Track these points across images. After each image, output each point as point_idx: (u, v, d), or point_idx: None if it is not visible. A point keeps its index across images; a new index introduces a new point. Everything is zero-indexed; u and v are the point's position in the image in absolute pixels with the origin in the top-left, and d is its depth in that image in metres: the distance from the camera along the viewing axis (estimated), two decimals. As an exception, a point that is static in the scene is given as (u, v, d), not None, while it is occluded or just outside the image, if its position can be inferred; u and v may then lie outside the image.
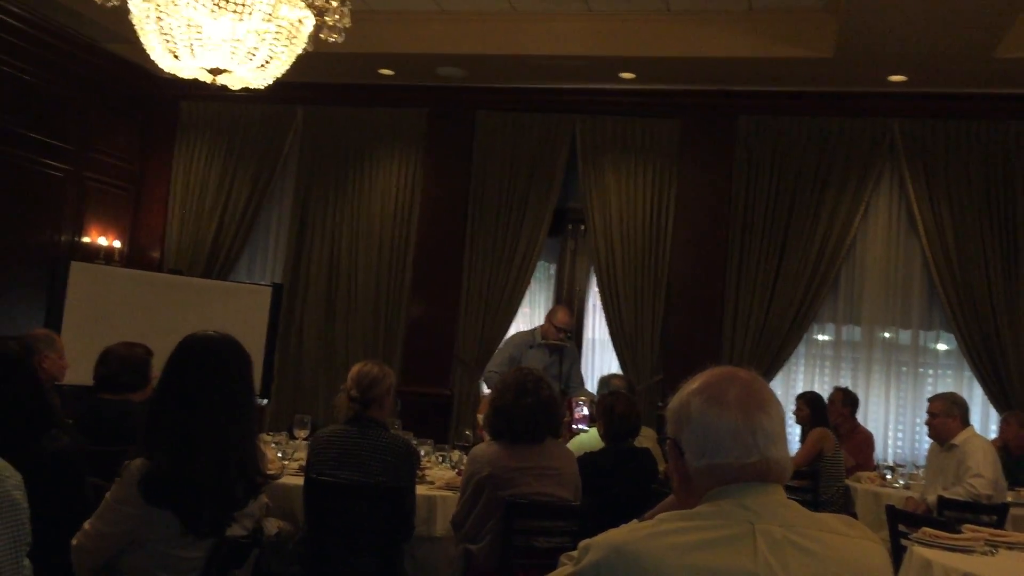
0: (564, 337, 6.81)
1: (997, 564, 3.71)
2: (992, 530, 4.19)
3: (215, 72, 4.36)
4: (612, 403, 4.46)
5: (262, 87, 4.55)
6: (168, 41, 4.20)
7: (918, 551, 3.82)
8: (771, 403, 1.67)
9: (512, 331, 8.04)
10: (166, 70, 4.50)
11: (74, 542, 2.39)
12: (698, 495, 1.66)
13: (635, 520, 1.85)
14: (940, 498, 5.11)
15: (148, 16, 4.23)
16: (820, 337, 7.84)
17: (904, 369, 7.59)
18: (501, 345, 7.38)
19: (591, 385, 7.05)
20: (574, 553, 1.72)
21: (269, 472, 2.69)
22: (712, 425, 1.64)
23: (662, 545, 1.54)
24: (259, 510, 2.58)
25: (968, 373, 7.30)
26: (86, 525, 2.39)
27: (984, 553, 3.83)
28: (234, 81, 4.47)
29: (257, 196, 8.53)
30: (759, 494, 1.60)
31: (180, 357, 2.47)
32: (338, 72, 7.94)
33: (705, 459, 1.64)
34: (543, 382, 3.94)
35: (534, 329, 7.15)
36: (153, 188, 8.77)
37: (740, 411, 1.64)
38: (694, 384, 1.72)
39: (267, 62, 4.40)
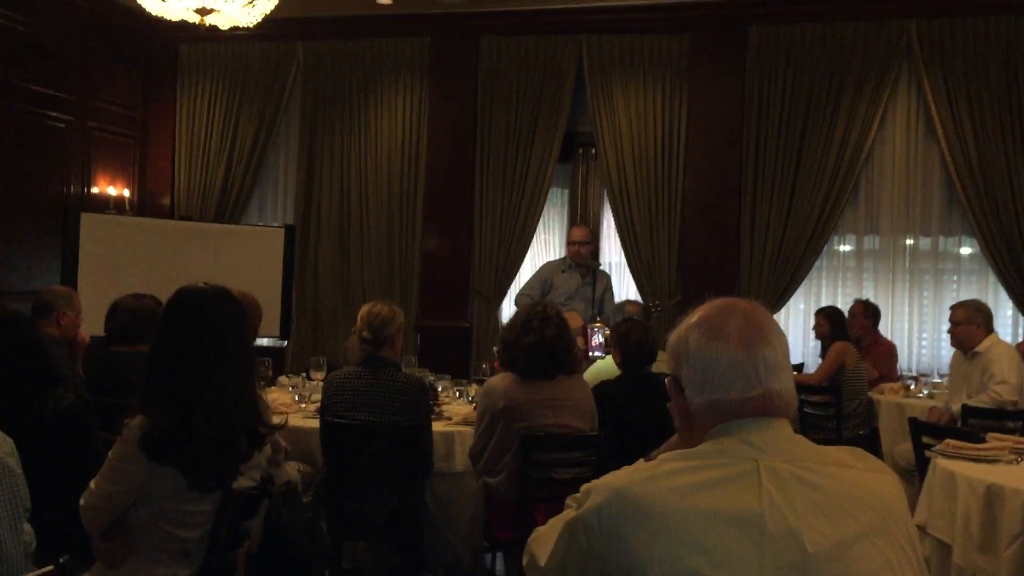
0: (579, 251, 7.00)
1: (1022, 472, 3.65)
2: (1017, 438, 4.12)
3: (203, 12, 4.25)
4: (627, 330, 4.40)
5: (251, 25, 4.43)
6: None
7: (942, 464, 3.77)
8: (773, 333, 1.60)
9: (528, 260, 8.05)
10: (153, 13, 4.37)
11: (81, 502, 2.39)
12: (701, 433, 1.59)
13: (640, 460, 1.81)
14: (964, 406, 5.06)
15: (129, -42, 4.11)
16: (841, 248, 7.71)
17: (927, 277, 7.47)
18: (536, 270, 7.43)
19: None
20: (579, 495, 1.67)
21: (274, 422, 2.65)
22: (712, 359, 1.57)
23: (663, 487, 1.48)
24: (266, 460, 2.56)
25: (993, 278, 7.17)
26: (92, 484, 2.38)
27: (1009, 462, 3.78)
28: (223, 20, 4.36)
29: (263, 137, 8.43)
30: (763, 429, 1.53)
31: (171, 312, 2.43)
32: (336, 4, 7.75)
33: (706, 395, 1.58)
34: (551, 321, 3.87)
35: (564, 257, 7.31)
36: (159, 134, 8.68)
37: (740, 344, 1.56)
38: (692, 318, 1.64)
39: (255, -2, 4.27)
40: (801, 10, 7.33)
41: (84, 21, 7.81)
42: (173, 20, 4.36)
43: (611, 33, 7.68)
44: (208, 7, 4.14)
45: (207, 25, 4.31)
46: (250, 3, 4.23)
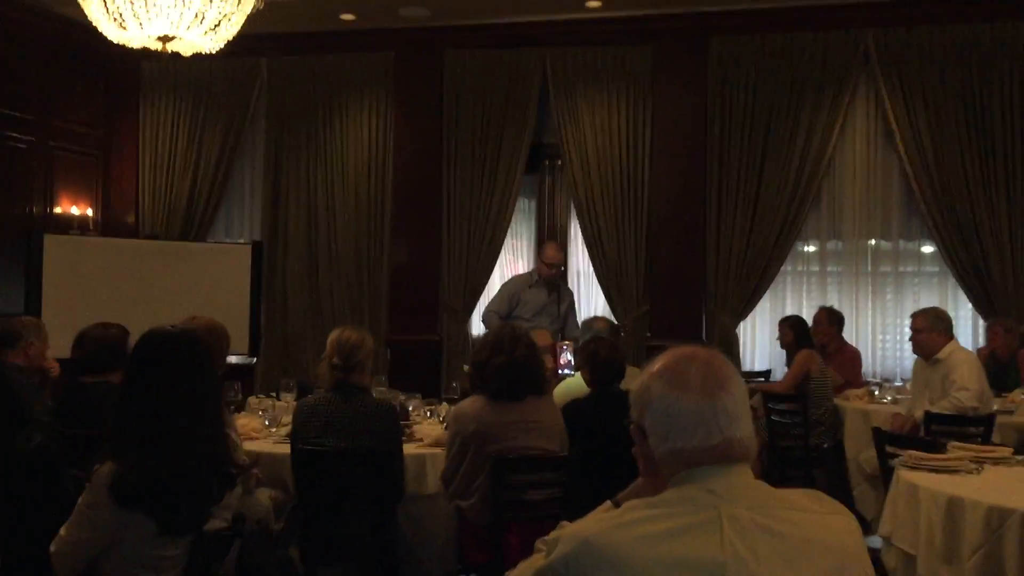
0: (552, 273, 7.04)
1: (982, 482, 3.73)
2: (977, 447, 4.21)
3: (164, 39, 4.24)
4: (595, 348, 4.44)
5: (214, 51, 4.42)
6: (112, 11, 4.06)
7: (904, 475, 3.84)
8: (732, 381, 1.64)
9: (496, 271, 8.08)
10: (115, 40, 4.36)
11: (52, 548, 2.38)
12: (665, 479, 1.64)
13: (607, 502, 1.85)
14: (927, 413, 5.15)
15: (89, -15, 4.10)
16: (806, 253, 7.81)
17: (888, 280, 7.59)
18: (502, 285, 7.46)
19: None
20: (549, 539, 1.71)
21: (244, 459, 2.66)
22: (673, 408, 1.62)
23: (630, 536, 1.52)
24: (236, 501, 2.57)
25: (952, 280, 7.30)
26: (62, 531, 2.38)
27: (969, 472, 3.85)
28: (185, 47, 4.36)
29: (228, 153, 8.40)
30: (724, 476, 1.58)
31: (139, 358, 2.43)
32: (299, 20, 7.74)
33: (669, 443, 1.62)
34: (520, 341, 3.93)
35: (531, 271, 7.37)
36: (122, 152, 8.61)
37: (701, 393, 1.61)
38: (654, 366, 1.69)
39: (217, 24, 4.27)
40: (761, 20, 7.43)
41: (44, 41, 7.73)
42: (135, 48, 4.35)
43: (574, 45, 7.74)
44: (170, 35, 4.13)
45: (169, 52, 4.30)
46: (212, 30, 4.22)
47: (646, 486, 1.73)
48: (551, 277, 7.04)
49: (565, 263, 7.81)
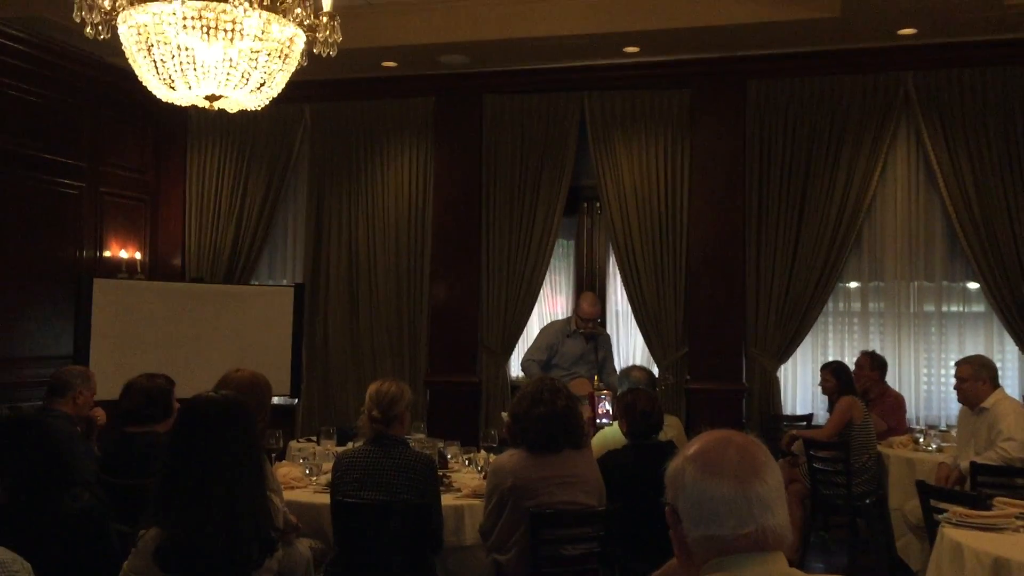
0: (591, 327, 7.07)
1: (1029, 541, 3.67)
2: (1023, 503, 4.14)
3: (212, 98, 4.35)
4: (633, 400, 4.45)
5: (259, 108, 4.53)
6: (162, 72, 4.18)
7: (948, 533, 3.79)
8: (766, 467, 1.65)
9: (535, 313, 8.12)
10: (164, 100, 4.48)
11: (98, 611, 2.44)
12: (699, 563, 1.65)
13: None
14: (972, 463, 5.08)
15: (140, 47, 4.22)
16: (847, 297, 7.72)
17: (932, 323, 7.49)
18: (540, 332, 7.46)
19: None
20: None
21: (285, 526, 2.71)
22: (706, 495, 1.63)
23: (662, 624, 1.54)
24: (277, 564, 2.61)
25: (997, 323, 7.20)
26: (109, 595, 2.43)
27: (1016, 530, 3.79)
28: (231, 105, 4.46)
29: (272, 197, 8.55)
30: (757, 565, 1.59)
31: (184, 424, 2.49)
32: (342, 68, 7.80)
33: (701, 529, 1.63)
34: (561, 393, 3.96)
35: (569, 317, 7.39)
36: (169, 196, 8.80)
37: (735, 480, 1.62)
38: (689, 449, 1.70)
39: (262, 84, 4.37)
40: (798, 64, 7.43)
41: (93, 89, 7.95)
42: (184, 105, 4.47)
43: (612, 90, 7.80)
44: (217, 94, 4.24)
45: (216, 109, 4.41)
46: (257, 89, 4.33)
47: (680, 569, 1.74)
48: (586, 328, 7.08)
49: (603, 310, 7.80)
